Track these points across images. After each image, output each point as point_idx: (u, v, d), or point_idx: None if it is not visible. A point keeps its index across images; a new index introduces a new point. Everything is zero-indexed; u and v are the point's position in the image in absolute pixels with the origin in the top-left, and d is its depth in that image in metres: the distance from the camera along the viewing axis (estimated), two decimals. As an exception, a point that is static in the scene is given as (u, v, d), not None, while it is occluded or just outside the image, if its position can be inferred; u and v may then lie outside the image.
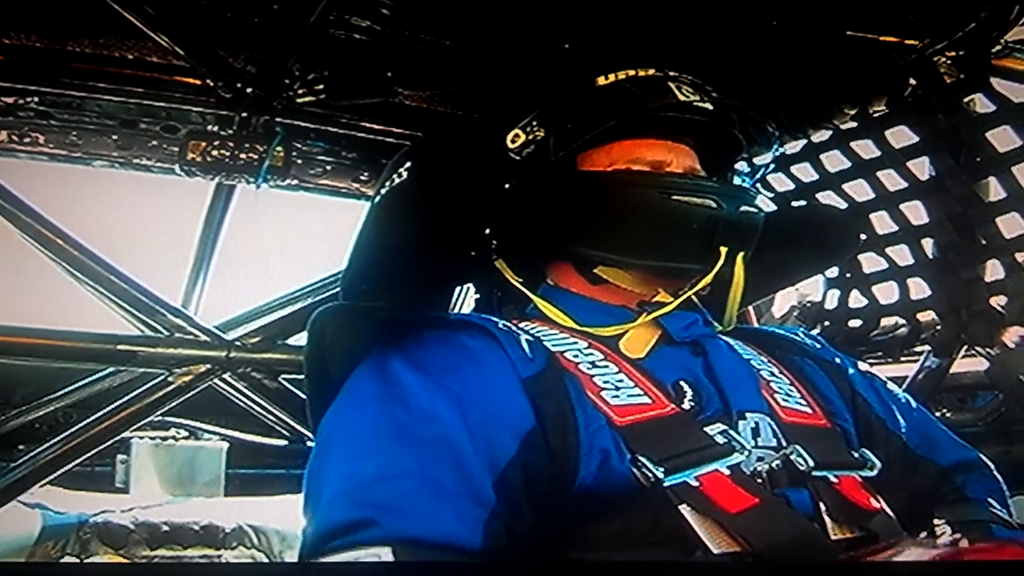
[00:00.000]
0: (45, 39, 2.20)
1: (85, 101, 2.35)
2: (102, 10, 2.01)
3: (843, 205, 2.43)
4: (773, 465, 1.46)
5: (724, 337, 1.75)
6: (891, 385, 1.83)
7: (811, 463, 1.46)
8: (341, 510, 1.30)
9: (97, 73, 2.25)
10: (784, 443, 1.50)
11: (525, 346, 1.55)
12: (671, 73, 1.77)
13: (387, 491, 1.31)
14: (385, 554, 1.22)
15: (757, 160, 2.45)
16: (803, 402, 1.65)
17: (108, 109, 2.40)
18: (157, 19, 2.08)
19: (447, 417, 1.43)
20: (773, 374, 1.69)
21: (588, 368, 1.52)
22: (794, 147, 2.51)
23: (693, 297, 1.71)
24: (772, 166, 2.49)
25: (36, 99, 2.32)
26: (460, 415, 1.42)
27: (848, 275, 2.54)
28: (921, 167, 2.24)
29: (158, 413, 2.69)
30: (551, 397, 1.44)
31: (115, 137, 2.53)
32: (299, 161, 2.60)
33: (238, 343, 2.72)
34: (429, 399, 1.46)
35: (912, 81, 2.15)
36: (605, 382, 1.49)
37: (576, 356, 1.56)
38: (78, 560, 3.14)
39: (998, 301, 2.12)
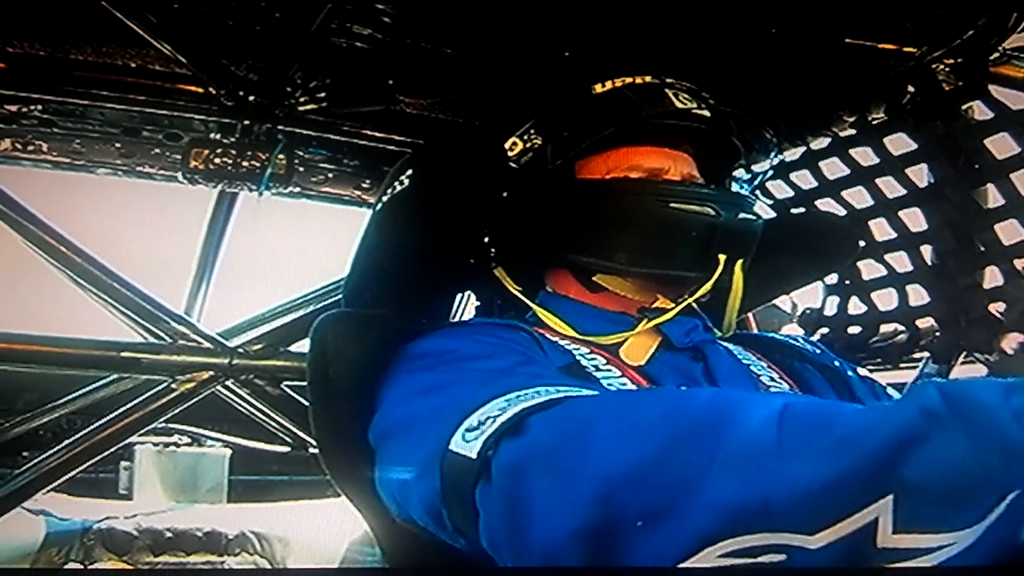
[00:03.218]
0: (48, 47, 2.20)
1: (88, 109, 2.35)
2: (105, 18, 2.02)
3: (842, 212, 2.42)
4: (772, 469, 1.45)
5: (724, 343, 1.75)
6: (891, 390, 1.82)
7: (810, 467, 1.45)
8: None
9: (100, 81, 2.25)
10: (783, 447, 1.49)
11: (550, 338, 1.59)
12: (668, 80, 1.77)
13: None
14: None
15: (756, 167, 2.45)
16: (802, 406, 1.63)
17: (111, 117, 2.40)
18: (159, 27, 2.08)
19: (509, 352, 1.47)
20: (772, 379, 1.68)
21: (594, 371, 1.52)
22: (793, 154, 2.50)
23: (693, 304, 1.71)
24: (771, 173, 2.48)
25: (39, 107, 2.32)
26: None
27: (847, 282, 2.53)
28: (920, 174, 2.23)
29: (161, 420, 2.67)
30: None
31: (118, 145, 2.52)
32: (301, 169, 2.60)
33: (241, 350, 2.71)
34: (476, 347, 1.48)
35: (911, 88, 2.14)
36: (609, 384, 1.48)
37: (582, 359, 1.55)
38: (82, 566, 3.16)
39: (997, 307, 2.11)
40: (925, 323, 2.34)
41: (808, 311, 2.69)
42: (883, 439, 0.76)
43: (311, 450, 2.73)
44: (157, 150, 2.56)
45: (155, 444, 3.62)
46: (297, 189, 2.72)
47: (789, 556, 0.79)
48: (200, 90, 2.29)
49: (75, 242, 2.57)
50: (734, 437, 0.89)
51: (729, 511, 0.83)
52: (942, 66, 2.07)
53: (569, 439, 1.04)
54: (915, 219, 2.27)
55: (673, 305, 1.68)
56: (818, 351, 1.89)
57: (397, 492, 1.40)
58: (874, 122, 2.25)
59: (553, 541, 0.99)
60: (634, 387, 1.51)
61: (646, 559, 0.89)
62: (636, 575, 0.93)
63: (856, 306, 2.53)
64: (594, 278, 1.73)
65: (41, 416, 2.92)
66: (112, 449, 2.63)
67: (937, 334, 2.28)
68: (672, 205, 1.65)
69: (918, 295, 2.32)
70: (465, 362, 1.43)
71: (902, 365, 2.40)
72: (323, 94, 2.30)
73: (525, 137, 1.80)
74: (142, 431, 2.68)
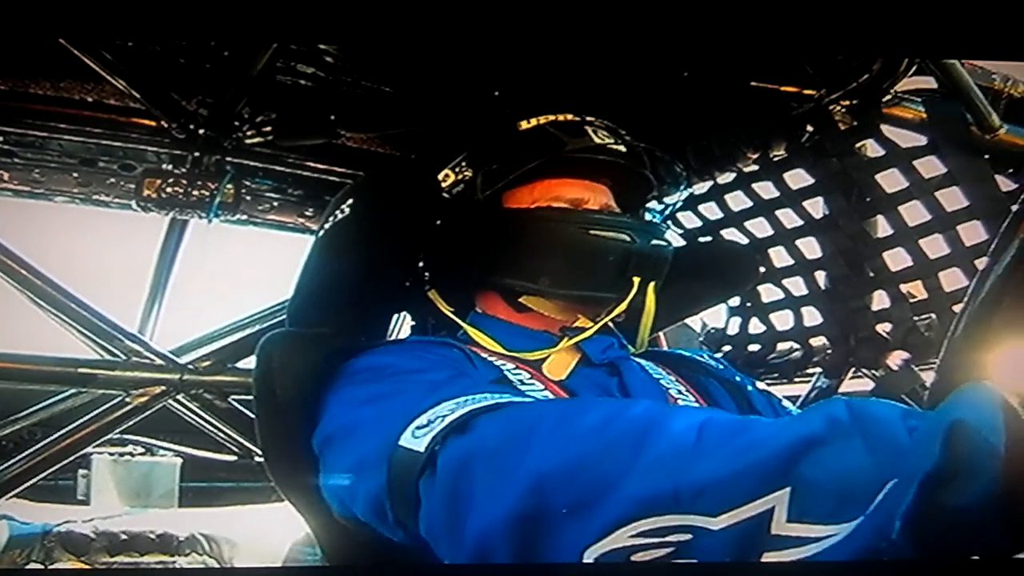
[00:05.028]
0: (8, 81, 2.16)
1: (47, 141, 2.30)
2: (62, 55, 1.98)
3: (745, 241, 2.43)
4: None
5: (637, 359, 1.76)
6: (786, 402, 1.83)
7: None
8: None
9: (58, 114, 2.21)
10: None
11: (481, 355, 1.59)
12: (588, 118, 1.78)
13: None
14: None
15: (667, 199, 2.44)
16: (706, 417, 1.64)
17: (68, 148, 2.35)
18: (115, 64, 2.04)
19: (444, 367, 1.48)
20: (680, 392, 1.69)
21: (519, 385, 1.52)
22: (701, 188, 2.51)
23: (610, 323, 1.71)
24: (681, 204, 2.49)
25: (0, 139, 2.27)
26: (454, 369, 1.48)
27: (748, 304, 2.55)
28: (816, 206, 2.24)
29: (116, 431, 2.62)
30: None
31: (75, 175, 2.47)
32: (248, 198, 2.56)
33: (191, 367, 2.67)
34: (413, 362, 1.48)
35: (809, 127, 2.16)
36: (533, 397, 1.47)
37: (508, 374, 1.55)
38: (43, 567, 3.13)
39: (883, 328, 2.13)
40: (818, 341, 2.36)
41: (713, 330, 2.70)
42: (788, 439, 0.80)
43: (256, 459, 2.69)
44: (112, 179, 2.50)
45: (111, 454, 3.61)
46: (244, 217, 2.69)
47: (694, 536, 0.82)
48: (153, 123, 2.25)
49: (35, 265, 2.53)
50: (658, 442, 0.92)
51: (642, 500, 0.87)
52: (839, 107, 2.09)
53: (512, 438, 1.07)
54: (811, 247, 2.28)
55: (592, 324, 1.69)
56: (721, 366, 1.90)
57: (341, 490, 1.40)
58: (775, 159, 2.26)
59: (486, 527, 1.02)
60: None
61: (565, 541, 0.93)
62: (565, 571, 0.96)
63: (756, 326, 2.54)
64: (520, 299, 1.73)
65: (3, 428, 2.85)
66: (71, 458, 2.58)
67: (829, 352, 2.29)
68: (591, 232, 1.66)
69: (812, 316, 2.35)
70: (404, 375, 1.43)
71: (797, 380, 2.42)
72: (269, 128, 2.28)
73: (457, 169, 1.79)
74: (98, 442, 2.64)
